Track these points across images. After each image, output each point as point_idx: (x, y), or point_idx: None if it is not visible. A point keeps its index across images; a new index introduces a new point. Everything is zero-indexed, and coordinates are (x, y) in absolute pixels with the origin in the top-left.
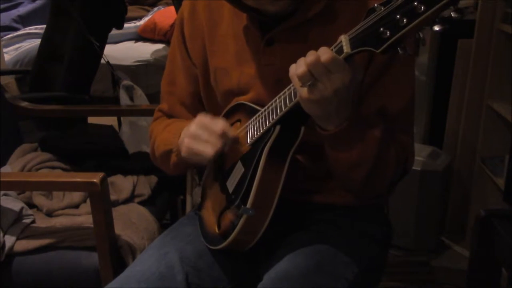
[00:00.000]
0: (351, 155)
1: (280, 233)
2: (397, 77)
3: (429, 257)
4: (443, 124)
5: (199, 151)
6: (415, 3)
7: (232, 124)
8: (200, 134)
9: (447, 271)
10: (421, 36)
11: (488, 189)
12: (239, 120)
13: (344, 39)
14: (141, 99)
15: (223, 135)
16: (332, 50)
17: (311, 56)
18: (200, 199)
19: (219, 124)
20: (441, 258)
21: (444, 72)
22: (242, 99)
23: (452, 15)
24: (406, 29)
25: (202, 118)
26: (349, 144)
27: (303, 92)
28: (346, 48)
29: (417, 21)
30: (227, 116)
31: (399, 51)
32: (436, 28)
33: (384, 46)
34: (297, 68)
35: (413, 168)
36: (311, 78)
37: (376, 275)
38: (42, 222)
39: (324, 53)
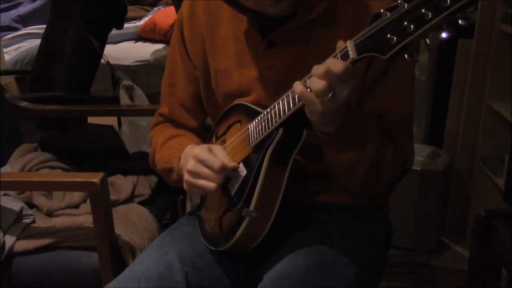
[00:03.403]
0: (350, 156)
1: (281, 233)
2: (397, 79)
3: (429, 257)
4: (443, 124)
5: (200, 186)
6: (423, 10)
7: (232, 125)
8: (199, 171)
9: (447, 271)
10: (428, 42)
11: (488, 189)
12: (239, 121)
13: (349, 45)
14: (141, 99)
15: (223, 169)
16: (337, 56)
17: (322, 68)
18: (199, 199)
19: (217, 159)
20: (441, 258)
21: (444, 72)
22: (243, 101)
23: (460, 22)
24: (414, 35)
25: (199, 153)
26: (347, 145)
27: (319, 105)
28: (352, 54)
29: (424, 28)
30: (226, 115)
31: (406, 57)
32: (444, 35)
33: (391, 52)
34: (315, 85)
35: (413, 168)
36: (331, 91)
37: (376, 275)
38: (42, 222)
39: (337, 64)
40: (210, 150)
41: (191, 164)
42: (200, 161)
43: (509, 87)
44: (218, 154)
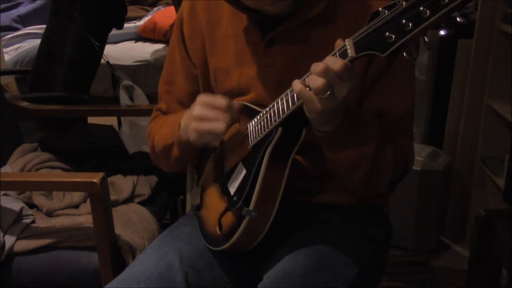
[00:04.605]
0: (349, 156)
1: (280, 233)
2: (397, 78)
3: (429, 257)
4: (443, 124)
5: (209, 130)
6: (421, 8)
7: (231, 124)
8: (206, 114)
9: (447, 271)
10: (426, 40)
11: (488, 189)
12: (238, 121)
13: (348, 43)
14: (141, 99)
15: (229, 108)
16: (336, 54)
17: (321, 66)
18: (199, 199)
19: (221, 99)
20: (441, 258)
21: (444, 72)
22: (242, 100)
23: (458, 20)
24: (412, 33)
25: (203, 98)
26: (346, 144)
27: (318, 104)
28: (351, 52)
29: (422, 26)
30: None
31: (405, 55)
32: (442, 32)
33: (390, 50)
34: (314, 82)
35: (413, 168)
36: (329, 89)
37: (376, 275)
38: (42, 222)
39: (336, 62)
40: (212, 95)
41: (196, 110)
42: (205, 104)
43: (509, 87)
44: (220, 96)
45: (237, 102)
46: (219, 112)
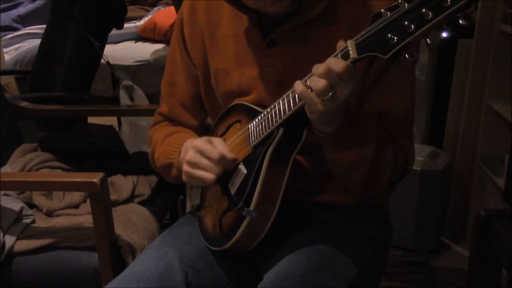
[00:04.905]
0: (349, 156)
1: (281, 233)
2: (397, 78)
3: (429, 257)
4: (443, 124)
5: (199, 177)
6: (423, 10)
7: (231, 125)
8: (198, 161)
9: (447, 271)
10: (428, 41)
11: (488, 189)
12: (239, 121)
13: (350, 44)
14: (141, 99)
15: (221, 160)
16: (338, 56)
17: (323, 67)
18: (199, 199)
19: (216, 149)
20: (441, 258)
21: (444, 72)
22: (243, 100)
23: (460, 22)
24: (414, 35)
25: (199, 144)
26: (346, 145)
27: (320, 105)
28: (353, 54)
29: (425, 27)
30: (226, 115)
31: (406, 57)
32: (444, 34)
33: (392, 52)
34: (316, 84)
35: (413, 168)
36: (331, 90)
37: (376, 275)
38: (42, 222)
39: (338, 63)
40: (210, 142)
41: (190, 155)
42: (199, 151)
43: (509, 87)
44: (218, 145)
45: (232, 155)
46: (211, 163)
